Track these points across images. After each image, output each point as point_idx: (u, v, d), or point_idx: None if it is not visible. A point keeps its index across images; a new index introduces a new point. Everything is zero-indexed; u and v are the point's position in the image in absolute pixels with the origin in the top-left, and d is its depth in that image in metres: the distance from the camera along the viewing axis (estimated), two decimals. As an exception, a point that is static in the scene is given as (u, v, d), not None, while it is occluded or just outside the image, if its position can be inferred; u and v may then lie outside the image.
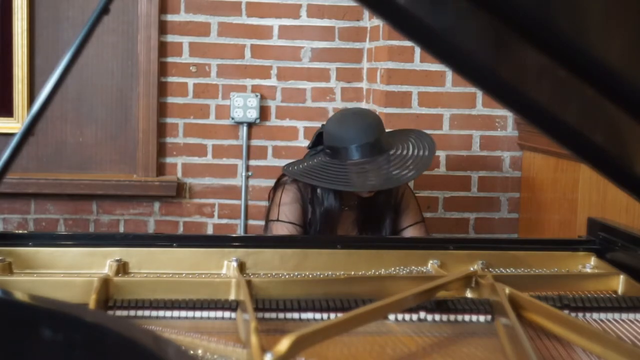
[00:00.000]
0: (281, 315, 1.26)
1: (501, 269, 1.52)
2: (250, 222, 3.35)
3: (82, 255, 1.46)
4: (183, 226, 3.33)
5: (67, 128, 3.26)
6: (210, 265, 1.47)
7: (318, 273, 1.48)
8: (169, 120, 3.28)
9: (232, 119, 3.27)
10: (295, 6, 3.27)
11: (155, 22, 3.18)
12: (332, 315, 1.26)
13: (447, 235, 3.09)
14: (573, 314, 1.30)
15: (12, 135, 2.15)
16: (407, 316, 1.26)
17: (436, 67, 2.99)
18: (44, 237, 1.52)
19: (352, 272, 1.47)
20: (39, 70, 3.20)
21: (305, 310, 1.27)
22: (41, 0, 3.18)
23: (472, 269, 1.48)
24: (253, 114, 3.27)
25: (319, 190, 2.34)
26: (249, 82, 3.29)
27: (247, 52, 3.28)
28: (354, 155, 2.24)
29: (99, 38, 3.17)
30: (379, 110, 3.06)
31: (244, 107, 3.26)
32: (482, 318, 1.28)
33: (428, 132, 2.54)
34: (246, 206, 3.34)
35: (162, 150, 3.29)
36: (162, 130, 3.27)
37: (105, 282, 1.29)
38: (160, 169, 3.29)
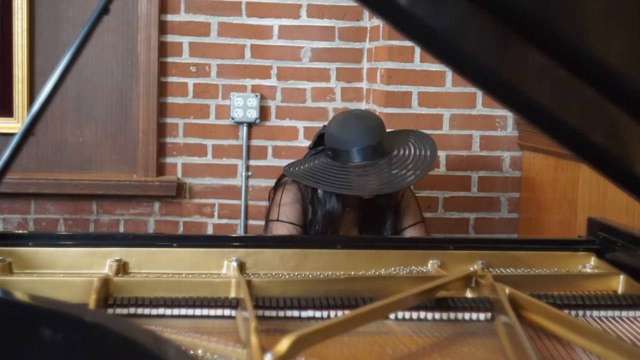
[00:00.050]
0: (281, 313, 1.26)
1: (501, 269, 1.52)
2: (250, 222, 3.35)
3: (82, 255, 1.46)
4: (183, 226, 3.33)
5: (67, 128, 3.26)
6: (210, 265, 1.48)
7: (318, 273, 1.48)
8: (169, 120, 3.28)
9: (232, 119, 3.27)
10: (295, 6, 3.27)
11: (155, 22, 3.18)
12: (332, 313, 1.26)
13: (447, 235, 3.09)
14: (573, 312, 1.31)
15: (12, 135, 2.15)
16: (407, 315, 1.26)
17: (436, 67, 2.99)
18: (44, 237, 1.52)
19: (352, 272, 1.47)
20: (39, 70, 3.20)
21: (306, 308, 1.27)
22: (41, 0, 3.18)
23: (472, 269, 1.48)
24: (253, 114, 3.27)
25: (320, 192, 2.34)
26: (249, 82, 3.29)
27: (247, 52, 3.28)
28: (355, 158, 2.24)
29: (99, 38, 3.17)
30: (379, 110, 3.06)
31: (244, 107, 3.26)
32: (482, 316, 1.28)
33: (428, 132, 2.54)
34: (246, 206, 3.34)
35: (162, 150, 3.29)
36: (162, 130, 3.28)
37: (105, 282, 1.29)
38: (160, 169, 3.29)
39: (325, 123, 2.44)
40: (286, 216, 2.34)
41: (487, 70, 0.69)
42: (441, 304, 1.29)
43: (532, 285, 1.41)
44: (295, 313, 1.27)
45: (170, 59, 3.25)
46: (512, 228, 3.17)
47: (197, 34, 3.25)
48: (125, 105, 3.27)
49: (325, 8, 3.29)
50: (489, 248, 1.57)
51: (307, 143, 2.58)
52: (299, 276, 1.45)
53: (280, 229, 2.34)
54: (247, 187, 3.33)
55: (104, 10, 1.08)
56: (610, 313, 1.32)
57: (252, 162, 3.33)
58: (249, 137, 3.31)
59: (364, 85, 3.34)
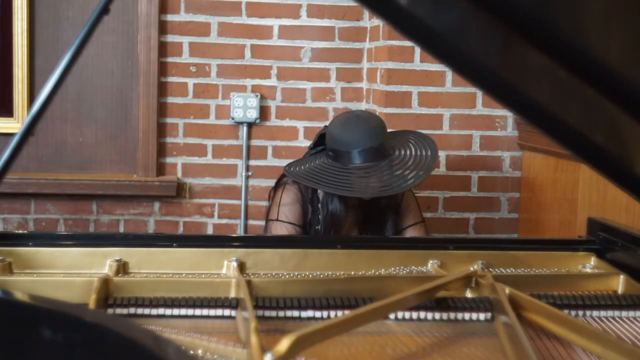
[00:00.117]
0: (281, 313, 1.26)
1: (501, 269, 1.52)
2: (250, 222, 3.35)
3: (82, 255, 1.46)
4: (183, 226, 3.33)
5: (67, 128, 3.26)
6: (210, 265, 1.48)
7: (318, 273, 1.48)
8: (169, 120, 3.28)
9: (232, 119, 3.27)
10: (295, 6, 3.27)
11: (155, 22, 3.18)
12: (332, 313, 1.27)
13: (447, 235, 3.09)
14: (573, 312, 1.31)
15: (12, 135, 2.15)
16: (407, 315, 1.27)
17: (436, 67, 2.99)
18: (44, 237, 1.52)
19: (352, 272, 1.47)
20: (39, 70, 3.20)
21: (306, 308, 1.27)
22: (41, 0, 3.18)
23: (472, 269, 1.48)
24: (253, 114, 3.27)
25: (321, 193, 2.34)
26: (249, 82, 3.29)
27: (247, 52, 3.28)
28: (356, 160, 2.24)
29: (99, 38, 3.17)
30: (379, 110, 3.06)
31: (244, 107, 3.26)
32: (482, 316, 1.28)
33: (428, 132, 2.54)
34: (246, 206, 3.34)
35: (162, 150, 3.29)
36: (162, 130, 3.28)
37: (105, 282, 1.29)
38: (160, 169, 3.29)
39: (326, 123, 2.44)
40: (286, 216, 2.34)
41: (487, 70, 0.69)
42: (441, 304, 1.29)
43: (532, 285, 1.41)
44: (295, 313, 1.27)
45: (170, 59, 3.25)
46: (512, 228, 3.17)
47: (197, 34, 3.25)
48: (125, 105, 3.27)
49: (325, 8, 3.29)
50: (489, 248, 1.57)
51: (307, 143, 2.58)
52: (299, 276, 1.45)
53: (280, 229, 2.34)
54: (247, 187, 3.33)
55: (104, 10, 1.08)
56: (610, 313, 1.32)
57: (252, 162, 3.33)
58: (249, 137, 3.31)
59: (364, 85, 3.34)
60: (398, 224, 2.42)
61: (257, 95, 3.27)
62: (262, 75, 3.29)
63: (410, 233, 2.42)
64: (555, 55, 0.67)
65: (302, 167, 2.33)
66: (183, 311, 1.26)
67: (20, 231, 2.86)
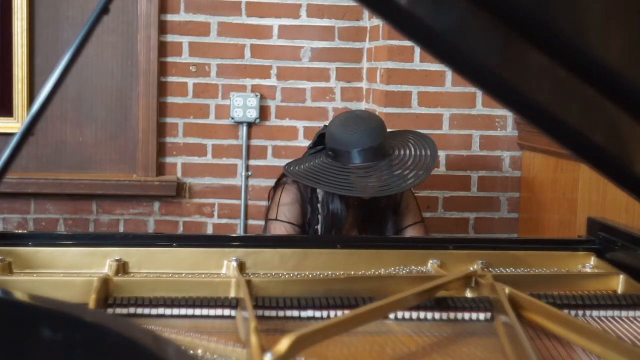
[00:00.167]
0: (281, 313, 1.26)
1: (501, 269, 1.52)
2: (250, 222, 3.35)
3: (82, 255, 1.46)
4: (183, 226, 3.33)
5: (67, 128, 3.26)
6: (210, 265, 1.48)
7: (318, 273, 1.48)
8: (169, 120, 3.28)
9: (232, 119, 3.27)
10: (295, 6, 3.27)
11: (155, 22, 3.18)
12: (332, 313, 1.27)
13: (447, 235, 3.09)
14: (573, 312, 1.31)
15: (12, 135, 2.15)
16: (407, 315, 1.27)
17: (436, 67, 2.99)
18: (44, 237, 1.52)
19: (352, 272, 1.47)
20: (39, 70, 3.20)
21: (306, 308, 1.27)
22: (41, 0, 3.18)
23: (472, 269, 1.48)
24: (253, 114, 3.27)
25: (321, 193, 2.34)
26: (249, 82, 3.29)
27: (247, 52, 3.28)
28: (356, 159, 2.24)
29: (99, 38, 3.17)
30: (379, 110, 3.06)
31: (244, 107, 3.26)
32: (482, 316, 1.28)
33: (428, 132, 2.54)
34: (246, 206, 3.34)
35: (162, 150, 3.29)
36: (162, 130, 3.28)
37: (105, 282, 1.29)
38: (160, 169, 3.29)
39: (326, 123, 2.44)
40: (285, 216, 2.34)
41: (487, 70, 0.69)
42: (441, 304, 1.29)
43: (532, 285, 1.41)
44: (295, 313, 1.27)
45: (170, 59, 3.25)
46: (512, 228, 3.17)
47: (197, 34, 3.25)
48: (125, 105, 3.27)
49: (325, 8, 3.29)
50: (489, 248, 1.57)
51: (307, 143, 2.58)
52: (299, 276, 1.45)
53: (279, 229, 2.34)
54: (247, 187, 3.33)
55: (104, 10, 1.08)
56: (610, 313, 1.32)
57: (252, 162, 3.33)
58: (249, 137, 3.31)
59: (364, 85, 3.34)
60: (398, 224, 2.42)
61: (257, 95, 3.27)
62: (262, 75, 3.29)
63: (410, 233, 2.42)
64: (555, 55, 0.67)
65: (302, 167, 2.33)
66: (183, 311, 1.26)
67: (20, 231, 2.86)
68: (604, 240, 1.59)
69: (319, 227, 2.35)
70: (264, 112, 3.30)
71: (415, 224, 2.43)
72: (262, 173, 3.32)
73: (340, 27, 3.30)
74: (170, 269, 1.46)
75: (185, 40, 3.25)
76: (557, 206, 2.80)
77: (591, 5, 0.67)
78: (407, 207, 2.43)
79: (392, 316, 1.26)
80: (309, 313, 1.27)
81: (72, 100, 3.23)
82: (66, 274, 1.42)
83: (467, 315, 1.28)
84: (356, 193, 2.25)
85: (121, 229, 3.28)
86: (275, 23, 3.28)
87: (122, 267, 1.45)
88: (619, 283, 1.44)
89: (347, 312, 1.24)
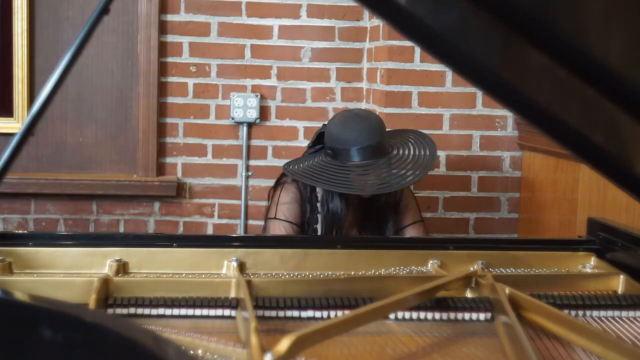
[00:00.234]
0: (281, 313, 1.26)
1: (501, 269, 1.52)
2: (250, 222, 3.35)
3: (82, 255, 1.46)
4: (183, 226, 3.33)
5: (67, 128, 3.26)
6: (210, 265, 1.48)
7: (318, 273, 1.48)
8: (169, 120, 3.28)
9: (232, 119, 3.27)
10: (295, 6, 3.27)
11: (155, 22, 3.18)
12: (332, 313, 1.27)
13: (447, 235, 3.09)
14: (573, 312, 1.31)
15: (12, 135, 2.15)
16: (407, 315, 1.27)
17: (436, 67, 2.99)
18: (44, 237, 1.52)
19: (352, 272, 1.47)
20: (39, 70, 3.20)
21: (306, 308, 1.27)
22: (41, 0, 3.18)
23: (472, 269, 1.48)
24: (253, 114, 3.27)
25: (320, 190, 2.34)
26: (249, 82, 3.29)
27: (247, 52, 3.28)
28: (355, 157, 2.24)
29: (99, 38, 3.17)
30: (379, 110, 3.06)
31: (244, 107, 3.26)
32: (482, 316, 1.28)
33: (428, 132, 2.54)
34: (246, 206, 3.34)
35: (162, 150, 3.29)
36: (162, 130, 3.28)
37: (105, 282, 1.29)
38: (160, 169, 3.29)
39: (326, 122, 2.45)
40: (284, 215, 2.35)
41: (487, 70, 0.69)
42: (441, 304, 1.29)
43: (532, 285, 1.41)
44: (295, 313, 1.27)
45: (170, 59, 3.25)
46: (512, 228, 3.17)
47: (197, 34, 3.25)
48: (125, 105, 3.27)
49: (325, 8, 3.29)
50: (489, 248, 1.57)
51: (307, 143, 2.58)
52: (299, 276, 1.45)
53: (278, 227, 2.35)
54: (247, 187, 3.33)
55: (104, 10, 1.08)
56: (610, 313, 1.32)
57: (252, 162, 3.33)
58: (249, 137, 3.31)
59: (364, 85, 3.34)
60: (397, 223, 2.42)
61: (257, 95, 3.27)
62: (262, 75, 3.29)
63: (409, 232, 2.42)
64: (555, 55, 0.67)
65: (301, 166, 2.34)
66: (183, 311, 1.26)
67: (20, 231, 2.86)
68: (604, 240, 1.59)
69: (319, 226, 2.35)
70: (264, 112, 3.30)
71: (414, 223, 2.43)
72: (262, 173, 3.32)
73: (340, 27, 3.30)
74: (170, 269, 1.46)
75: (185, 40, 3.25)
76: (557, 206, 2.80)
77: (591, 5, 0.67)
78: (406, 206, 2.43)
79: (392, 316, 1.26)
80: (309, 313, 1.27)
81: (72, 100, 3.23)
82: (66, 274, 1.42)
83: (467, 315, 1.28)
84: (355, 191, 2.25)
85: (121, 229, 3.28)
86: (275, 23, 3.28)
87: (122, 267, 1.45)
88: (619, 283, 1.44)
89: (347, 312, 1.24)
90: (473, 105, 3.05)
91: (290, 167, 2.35)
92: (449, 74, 3.01)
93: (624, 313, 1.32)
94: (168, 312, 1.26)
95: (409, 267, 1.52)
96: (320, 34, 3.29)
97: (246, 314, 1.17)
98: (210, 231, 3.34)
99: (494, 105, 3.03)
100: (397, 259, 1.52)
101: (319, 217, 2.35)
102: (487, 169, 3.12)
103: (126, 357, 0.78)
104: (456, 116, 3.05)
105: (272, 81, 3.30)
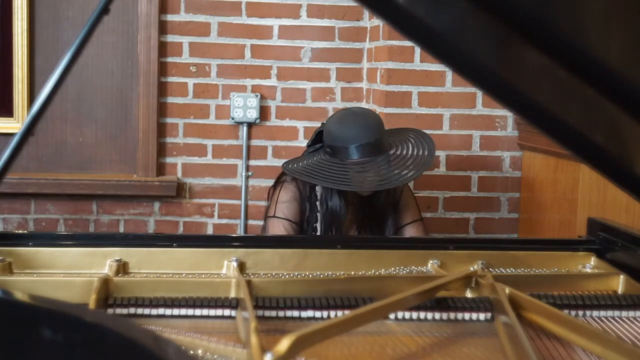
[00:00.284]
0: (281, 313, 1.26)
1: (501, 269, 1.52)
2: (250, 222, 3.35)
3: (82, 255, 1.46)
4: (183, 226, 3.33)
5: (67, 128, 3.26)
6: (210, 265, 1.48)
7: (318, 273, 1.48)
8: (169, 120, 3.28)
9: (232, 119, 3.27)
10: (295, 6, 3.27)
11: (155, 22, 3.18)
12: (332, 313, 1.27)
13: (447, 235, 3.09)
14: (573, 312, 1.31)
15: (12, 135, 2.15)
16: (407, 315, 1.27)
17: (436, 67, 2.99)
18: (44, 237, 1.52)
19: (352, 272, 1.47)
20: (39, 70, 3.20)
21: (306, 308, 1.27)
22: (41, 0, 3.18)
23: (472, 269, 1.48)
24: (253, 114, 3.27)
25: (319, 189, 2.35)
26: (249, 82, 3.29)
27: (247, 52, 3.28)
28: (354, 155, 2.25)
29: (99, 38, 3.17)
30: (379, 110, 3.06)
31: (244, 107, 3.26)
32: (482, 316, 1.28)
33: (428, 132, 2.54)
34: (246, 206, 3.34)
35: (162, 150, 3.29)
36: (162, 130, 3.28)
37: (105, 282, 1.29)
38: (160, 169, 3.29)
39: (325, 122, 2.45)
40: (283, 213, 2.35)
41: (487, 70, 0.69)
42: (441, 304, 1.29)
43: (532, 285, 1.41)
44: (295, 313, 1.27)
45: (170, 59, 3.25)
46: (512, 228, 3.17)
47: (197, 34, 3.25)
48: (125, 105, 3.27)
49: (325, 8, 3.29)
50: (489, 248, 1.57)
51: (307, 143, 2.59)
52: (299, 276, 1.45)
53: (277, 225, 2.35)
54: (247, 187, 3.33)
55: (104, 10, 1.08)
56: (610, 313, 1.32)
57: (252, 162, 3.33)
58: (249, 137, 3.31)
59: (364, 85, 3.34)
60: (397, 222, 2.43)
61: (257, 95, 3.27)
62: (262, 75, 3.29)
63: (408, 231, 2.42)
64: (555, 55, 0.67)
65: (300, 164, 2.35)
66: (183, 311, 1.26)
67: (20, 231, 2.86)
68: (604, 240, 1.59)
69: (318, 224, 2.36)
70: (264, 112, 3.30)
71: (414, 221, 2.43)
72: (262, 173, 3.32)
73: (340, 27, 3.30)
74: (170, 269, 1.46)
75: (185, 40, 3.25)
76: (557, 206, 2.80)
77: (591, 5, 0.67)
78: (405, 205, 2.44)
79: (392, 316, 1.26)
80: (309, 313, 1.27)
81: (72, 100, 3.23)
82: (66, 274, 1.42)
83: (467, 315, 1.28)
84: (353, 187, 2.26)
85: (121, 229, 3.28)
86: (275, 23, 3.28)
87: (122, 267, 1.45)
88: (619, 283, 1.44)
89: (347, 312, 1.24)
90: (473, 105, 3.05)
91: (289, 166, 2.36)
92: (449, 74, 3.01)
93: (624, 313, 1.32)
94: (168, 312, 1.26)
95: (409, 267, 1.52)
96: (320, 34, 3.29)
97: (246, 314, 1.17)
98: (210, 231, 3.34)
99: (494, 105, 3.03)
100: (397, 259, 1.52)
101: (319, 215, 2.35)
102: (487, 169, 3.12)
103: (126, 357, 0.78)
104: (456, 116, 3.05)
105: (272, 81, 3.30)
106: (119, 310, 1.26)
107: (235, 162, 3.32)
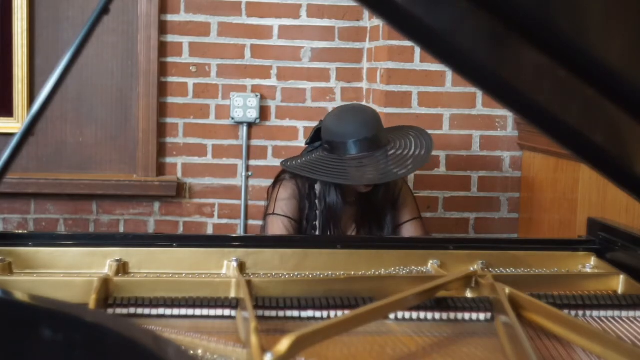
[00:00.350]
0: (281, 313, 1.26)
1: (501, 269, 1.52)
2: (250, 222, 3.35)
3: (82, 255, 1.46)
4: (183, 226, 3.33)
5: (67, 128, 3.26)
6: (210, 265, 1.48)
7: (318, 273, 1.48)
8: (169, 120, 3.28)
9: (232, 119, 3.27)
10: (295, 6, 3.27)
11: (155, 22, 3.18)
12: (332, 313, 1.27)
13: (447, 235, 3.09)
14: (573, 312, 1.31)
15: (12, 135, 2.15)
16: (407, 315, 1.27)
17: (436, 67, 2.99)
18: (44, 237, 1.52)
19: (352, 272, 1.47)
20: (39, 70, 3.20)
21: (306, 308, 1.27)
22: (41, 0, 3.18)
23: (472, 269, 1.48)
24: (253, 114, 3.27)
25: (318, 187, 2.36)
26: (249, 82, 3.29)
27: (247, 52, 3.28)
28: (352, 150, 2.26)
29: (99, 38, 3.17)
30: (379, 110, 3.06)
31: (244, 107, 3.26)
32: (482, 316, 1.28)
33: (428, 132, 2.54)
34: (246, 206, 3.34)
35: (162, 150, 3.29)
36: (162, 130, 3.27)
37: (105, 282, 1.29)
38: (160, 169, 3.29)
39: (322, 119, 2.46)
40: (282, 210, 2.36)
41: (487, 70, 0.69)
42: (441, 304, 1.29)
43: (532, 285, 1.41)
44: (295, 313, 1.27)
45: (170, 59, 3.25)
46: (512, 228, 3.17)
47: (197, 34, 3.25)
48: (125, 105, 3.27)
49: (325, 8, 3.29)
50: (489, 248, 1.57)
51: (307, 143, 2.60)
52: (299, 276, 1.45)
53: (276, 223, 2.35)
54: (247, 187, 3.33)
55: (104, 10, 1.08)
56: (610, 313, 1.32)
57: (252, 162, 3.33)
58: (249, 137, 3.31)
59: (364, 85, 3.34)
60: (396, 220, 2.43)
61: (257, 95, 3.27)
62: (262, 75, 3.29)
63: (407, 228, 2.43)
64: (555, 55, 0.67)
65: (299, 161, 2.36)
66: (183, 311, 1.26)
67: (20, 231, 2.86)
68: (604, 240, 1.59)
69: (317, 222, 2.36)
70: (264, 112, 3.30)
71: (412, 219, 2.44)
72: (262, 173, 3.32)
73: (340, 27, 3.30)
74: (170, 269, 1.46)
75: (185, 40, 3.25)
76: (557, 206, 2.80)
77: (591, 5, 0.67)
78: (404, 202, 2.45)
79: (392, 316, 1.26)
80: (309, 313, 1.27)
81: (72, 100, 3.23)
82: (66, 274, 1.42)
83: (467, 315, 1.28)
84: (351, 181, 2.27)
85: (121, 229, 3.28)
86: (275, 23, 3.28)
87: (122, 267, 1.45)
88: (619, 283, 1.44)
89: (347, 312, 1.24)
90: (473, 105, 3.05)
91: (288, 163, 2.37)
92: (449, 74, 3.01)
93: (624, 313, 1.32)
94: (168, 312, 1.26)
95: (409, 267, 1.52)
96: (320, 34, 3.29)
97: (246, 314, 1.17)
98: (210, 231, 3.34)
99: (494, 105, 3.03)
100: (397, 259, 1.52)
101: (318, 213, 2.36)
102: (487, 169, 3.12)
103: (126, 357, 0.78)
104: (456, 116, 3.05)
105: (272, 81, 3.30)
106: (119, 310, 1.26)
107: (235, 162, 3.32)
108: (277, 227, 2.35)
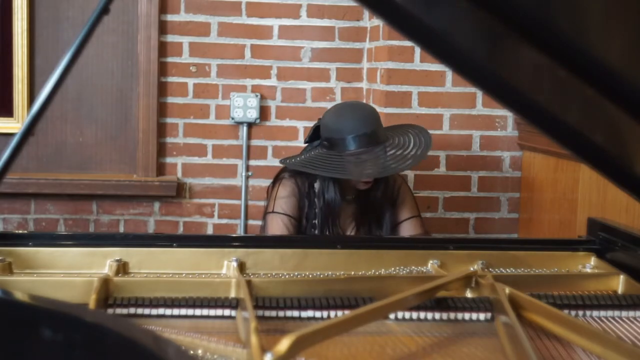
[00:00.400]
0: (281, 313, 1.26)
1: (501, 269, 1.52)
2: (250, 222, 3.35)
3: (82, 255, 1.46)
4: (183, 226, 3.33)
5: (67, 128, 3.26)
6: (210, 265, 1.48)
7: (318, 273, 1.48)
8: (169, 120, 3.28)
9: (232, 119, 3.27)
10: (295, 6, 3.27)
11: (155, 22, 3.18)
12: (332, 313, 1.27)
13: (447, 235, 3.09)
14: (573, 312, 1.31)
15: (12, 135, 2.15)
16: (407, 315, 1.27)
17: (436, 67, 2.99)
18: (44, 237, 1.53)
19: (352, 272, 1.47)
20: (39, 70, 3.20)
21: (306, 308, 1.27)
22: (41, 0, 3.18)
23: (472, 269, 1.49)
24: (253, 114, 3.27)
25: (317, 185, 2.36)
26: (249, 82, 3.29)
27: (247, 52, 3.28)
28: (351, 146, 2.27)
29: (99, 38, 3.17)
30: (379, 110, 3.06)
31: (244, 107, 3.26)
32: (482, 316, 1.28)
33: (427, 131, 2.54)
34: (246, 206, 3.34)
35: (162, 150, 3.29)
36: (162, 130, 3.27)
37: (105, 282, 1.29)
38: (160, 169, 3.29)
39: (321, 117, 2.46)
40: (282, 208, 2.37)
41: (487, 70, 0.69)
42: (441, 304, 1.29)
43: (532, 285, 1.41)
44: (295, 313, 1.27)
45: (170, 59, 3.25)
46: (512, 228, 3.17)
47: (197, 34, 3.25)
48: (125, 105, 3.27)
49: (325, 8, 3.29)
50: (489, 248, 1.57)
51: (307, 143, 2.60)
52: (299, 276, 1.45)
53: (276, 221, 2.36)
54: (247, 187, 3.33)
55: (104, 10, 1.08)
56: (610, 313, 1.32)
57: (252, 162, 3.33)
58: (249, 137, 3.31)
59: (364, 85, 3.34)
60: (395, 218, 2.44)
61: (257, 95, 3.27)
62: (262, 75, 3.29)
63: (406, 226, 2.43)
64: (555, 55, 0.67)
65: (298, 158, 2.37)
66: (183, 311, 1.26)
67: (20, 231, 2.86)
68: (604, 240, 1.59)
69: (316, 220, 2.37)
70: (264, 112, 3.30)
71: (411, 217, 2.45)
72: (262, 173, 3.32)
73: (340, 27, 3.30)
74: (170, 269, 1.46)
75: (185, 40, 3.25)
76: (557, 206, 2.80)
77: (591, 5, 0.67)
78: (403, 200, 2.46)
79: (392, 316, 1.26)
80: (309, 313, 1.27)
81: (72, 100, 3.23)
82: (66, 274, 1.42)
83: (467, 315, 1.28)
84: (350, 176, 2.28)
85: (121, 229, 3.28)
86: (275, 23, 3.28)
87: (122, 267, 1.45)
88: (619, 283, 1.44)
89: (347, 312, 1.24)
90: (473, 105, 3.05)
91: (287, 161, 2.38)
92: (449, 74, 3.01)
93: (624, 313, 1.32)
94: (168, 312, 1.26)
95: (409, 267, 1.52)
96: (320, 34, 3.29)
97: (246, 314, 1.17)
98: (210, 231, 3.33)
99: (494, 105, 3.03)
100: (397, 259, 1.52)
101: (317, 211, 2.37)
102: (487, 169, 3.12)
103: (126, 357, 0.78)
104: (456, 116, 3.05)
105: (272, 81, 3.30)
106: (119, 310, 1.26)
107: (235, 162, 3.32)
108: (277, 225, 2.35)
